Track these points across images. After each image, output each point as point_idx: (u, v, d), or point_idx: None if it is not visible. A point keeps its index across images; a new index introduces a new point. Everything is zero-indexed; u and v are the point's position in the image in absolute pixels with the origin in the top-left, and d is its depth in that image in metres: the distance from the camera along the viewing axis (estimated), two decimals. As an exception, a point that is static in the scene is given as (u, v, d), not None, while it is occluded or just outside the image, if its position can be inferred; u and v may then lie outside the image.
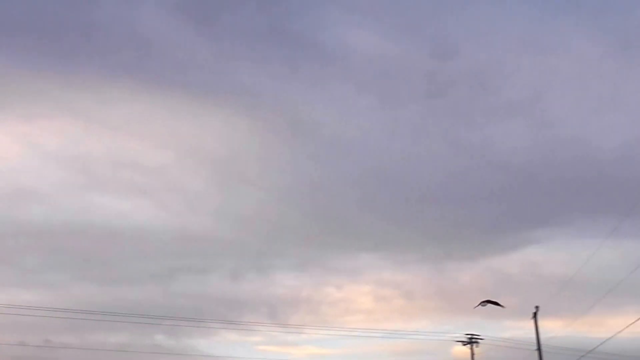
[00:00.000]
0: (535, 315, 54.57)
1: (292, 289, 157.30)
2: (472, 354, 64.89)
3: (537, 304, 54.90)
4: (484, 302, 52.98)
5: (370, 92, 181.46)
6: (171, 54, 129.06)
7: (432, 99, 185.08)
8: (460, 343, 65.56)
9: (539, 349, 53.66)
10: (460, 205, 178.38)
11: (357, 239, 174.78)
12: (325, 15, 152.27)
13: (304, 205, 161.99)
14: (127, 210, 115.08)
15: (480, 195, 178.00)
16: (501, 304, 51.12)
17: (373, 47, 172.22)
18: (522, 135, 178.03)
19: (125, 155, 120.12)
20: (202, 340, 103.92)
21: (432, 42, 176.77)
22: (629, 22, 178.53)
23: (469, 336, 65.53)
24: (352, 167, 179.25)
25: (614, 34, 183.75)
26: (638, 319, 37.97)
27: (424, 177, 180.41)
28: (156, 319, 65.68)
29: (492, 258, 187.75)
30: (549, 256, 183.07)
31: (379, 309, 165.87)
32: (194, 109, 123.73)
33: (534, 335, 54.12)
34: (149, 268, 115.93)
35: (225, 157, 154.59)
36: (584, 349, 54.91)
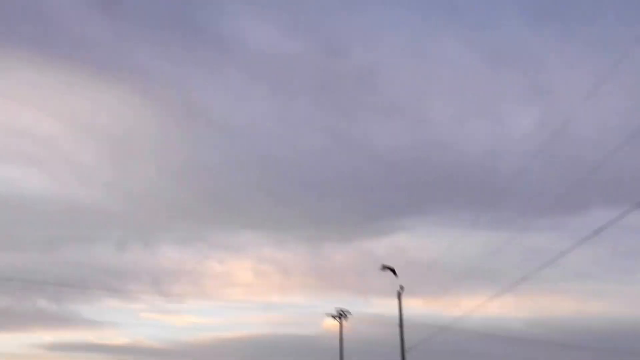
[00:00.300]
0: (399, 294, 57.71)
1: (176, 261, 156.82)
2: (341, 327, 68.83)
3: (402, 284, 57.37)
4: (384, 267, 55.78)
5: (263, 82, 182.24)
6: (72, 29, 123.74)
7: (321, 94, 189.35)
8: (330, 317, 69.34)
9: (401, 324, 57.06)
10: (338, 193, 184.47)
11: (241, 218, 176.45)
12: (226, 6, 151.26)
13: (193, 184, 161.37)
14: (15, 178, 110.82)
15: (357, 185, 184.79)
16: (396, 272, 53.96)
17: (269, 40, 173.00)
18: (400, 134, 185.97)
19: (17, 124, 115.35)
20: (86, 307, 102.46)
21: (325, 40, 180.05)
22: (500, 37, 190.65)
23: (339, 311, 69.30)
24: (241, 152, 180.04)
25: (487, 46, 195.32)
26: (488, 300, 43.14)
27: (309, 165, 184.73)
28: (39, 284, 64.73)
29: (364, 241, 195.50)
30: (415, 242, 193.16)
31: (258, 283, 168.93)
32: (90, 84, 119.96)
33: (397, 312, 57.37)
34: (35, 235, 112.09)
35: (119, 134, 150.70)
36: (440, 325, 59.44)
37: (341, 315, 69.16)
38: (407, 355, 56.38)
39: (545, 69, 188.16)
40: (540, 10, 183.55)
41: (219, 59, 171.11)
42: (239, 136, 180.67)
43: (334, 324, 69.51)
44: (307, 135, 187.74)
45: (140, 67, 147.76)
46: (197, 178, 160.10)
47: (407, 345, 56.77)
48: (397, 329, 56.93)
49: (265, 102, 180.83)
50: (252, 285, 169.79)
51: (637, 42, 21.82)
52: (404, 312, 58.13)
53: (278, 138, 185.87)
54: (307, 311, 74.31)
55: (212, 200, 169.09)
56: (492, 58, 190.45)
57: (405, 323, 57.64)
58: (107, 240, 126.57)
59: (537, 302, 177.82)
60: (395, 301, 57.80)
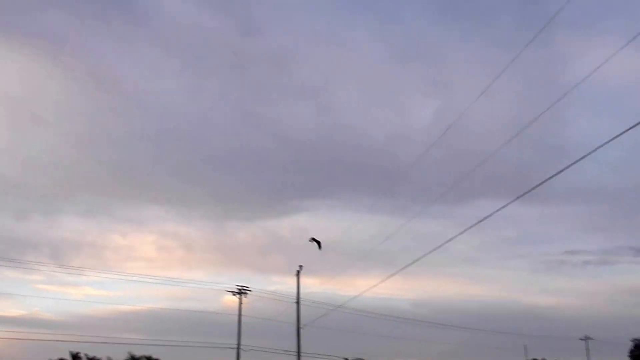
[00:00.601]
0: (298, 273, 59.73)
1: (78, 233, 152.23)
2: (240, 303, 69.90)
3: (301, 264, 59.98)
4: (312, 239, 56.78)
5: (176, 57, 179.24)
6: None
7: (234, 72, 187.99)
8: (230, 293, 70.23)
9: (298, 302, 58.99)
10: (245, 172, 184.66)
11: (146, 192, 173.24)
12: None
13: (98, 154, 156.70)
14: None
15: (263, 165, 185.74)
16: (321, 246, 55.15)
17: (186, 15, 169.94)
18: (308, 117, 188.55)
19: None
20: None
21: (241, 20, 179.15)
22: (407, 32, 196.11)
23: (239, 287, 70.37)
24: (149, 125, 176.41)
25: (394, 39, 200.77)
26: (380, 282, 45.51)
27: (217, 142, 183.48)
28: None
29: (267, 221, 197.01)
30: (316, 223, 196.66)
31: (160, 257, 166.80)
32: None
33: (295, 290, 59.27)
34: None
35: (20, 97, 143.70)
36: (335, 304, 61.93)
37: (241, 292, 70.19)
38: (302, 332, 58.38)
39: (446, 65, 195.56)
40: (445, 9, 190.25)
41: (132, 31, 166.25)
42: (148, 109, 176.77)
43: (233, 300, 70.51)
44: (217, 113, 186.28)
45: (50, 33, 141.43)
46: (102, 149, 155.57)
47: (303, 322, 58.77)
48: (295, 307, 58.83)
49: (177, 77, 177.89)
50: (154, 260, 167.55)
51: (529, 45, 23.95)
52: (302, 290, 60.23)
53: (188, 114, 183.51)
54: (208, 287, 74.73)
55: (117, 173, 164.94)
56: (398, 51, 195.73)
57: (302, 301, 59.80)
58: (4, 208, 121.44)
59: (424, 284, 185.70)
60: (294, 279, 59.68)
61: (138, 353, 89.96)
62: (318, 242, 40.19)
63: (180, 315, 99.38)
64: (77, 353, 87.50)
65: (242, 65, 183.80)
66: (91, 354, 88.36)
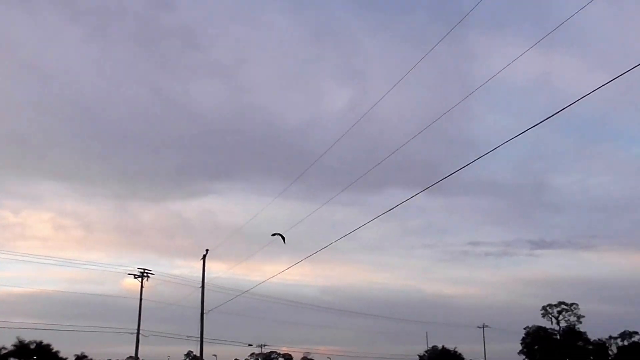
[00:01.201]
0: (204, 257, 59.34)
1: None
2: (142, 287, 68.81)
3: (207, 248, 59.61)
4: (274, 234, 56.06)
5: (82, 25, 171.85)
6: None
7: (143, 45, 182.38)
8: (132, 276, 68.98)
9: (203, 286, 58.67)
10: (152, 150, 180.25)
11: (43, 167, 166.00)
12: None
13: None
14: None
15: (171, 144, 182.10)
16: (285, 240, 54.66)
17: None
18: (220, 96, 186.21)
19: None
20: None
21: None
22: (325, 17, 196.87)
23: (141, 270, 69.23)
24: (49, 96, 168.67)
25: (312, 24, 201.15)
26: (288, 267, 45.93)
27: (122, 117, 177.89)
28: None
29: (173, 202, 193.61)
30: (225, 206, 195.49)
31: (57, 237, 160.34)
32: None
33: (200, 275, 58.90)
34: None
35: None
36: (241, 289, 62.08)
37: (143, 275, 69.09)
38: (206, 317, 58.16)
39: (362, 54, 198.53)
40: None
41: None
42: (48, 79, 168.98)
43: (135, 283, 69.38)
44: (123, 86, 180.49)
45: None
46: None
47: (207, 307, 58.56)
48: (200, 291, 58.57)
49: (81, 46, 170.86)
50: (50, 239, 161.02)
51: (442, 41, 24.81)
52: (207, 275, 59.98)
53: (92, 86, 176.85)
54: (109, 270, 73.21)
55: (10, 144, 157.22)
56: (314, 35, 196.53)
57: (207, 286, 59.57)
58: None
59: (333, 271, 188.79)
60: (200, 263, 59.35)
61: (28, 338, 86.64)
62: (282, 237, 40.18)
63: (78, 299, 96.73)
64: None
65: (152, 38, 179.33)
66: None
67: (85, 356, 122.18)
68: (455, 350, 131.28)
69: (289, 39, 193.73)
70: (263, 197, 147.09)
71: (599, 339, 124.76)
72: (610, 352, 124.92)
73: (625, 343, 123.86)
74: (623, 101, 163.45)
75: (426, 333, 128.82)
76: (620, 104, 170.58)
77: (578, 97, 16.61)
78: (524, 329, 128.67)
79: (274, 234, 39.67)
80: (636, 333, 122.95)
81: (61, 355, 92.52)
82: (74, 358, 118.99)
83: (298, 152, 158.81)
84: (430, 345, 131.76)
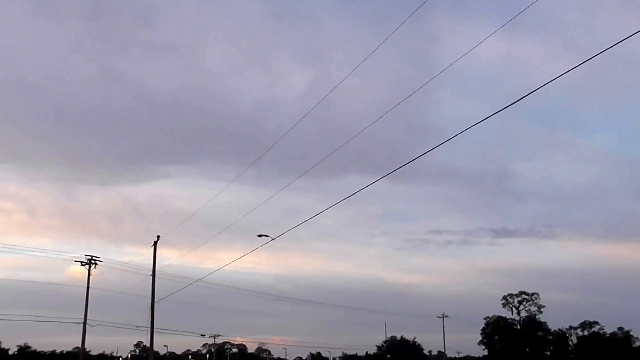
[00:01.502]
0: (155, 243, 58.73)
1: None
2: (89, 274, 67.76)
3: (159, 234, 59.03)
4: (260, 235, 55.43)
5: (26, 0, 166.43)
6: None
7: (92, 22, 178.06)
8: (79, 263, 67.81)
9: (153, 274, 58.07)
10: (100, 131, 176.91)
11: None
12: None
13: None
14: None
15: (122, 125, 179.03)
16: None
17: None
18: (173, 76, 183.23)
19: None
20: None
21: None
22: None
23: (88, 257, 68.14)
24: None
25: (269, 2, 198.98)
26: (243, 255, 45.80)
27: (70, 96, 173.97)
28: None
29: (124, 186, 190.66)
30: (177, 191, 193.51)
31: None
32: None
33: (151, 262, 58.28)
34: None
35: None
36: (194, 277, 61.74)
37: (90, 262, 68.04)
38: (156, 307, 57.56)
39: (322, 34, 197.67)
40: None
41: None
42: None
43: (81, 271, 68.31)
44: (70, 64, 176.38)
45: None
46: None
47: (158, 296, 57.98)
48: (150, 279, 58.00)
49: (26, 21, 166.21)
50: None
51: (405, 22, 24.68)
52: (158, 262, 59.42)
53: (36, 63, 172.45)
54: (54, 256, 71.89)
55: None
56: (274, 14, 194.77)
57: (158, 274, 58.99)
58: None
59: (290, 259, 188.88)
60: (151, 250, 58.74)
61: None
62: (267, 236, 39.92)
63: (20, 287, 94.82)
64: None
65: (101, 15, 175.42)
66: None
67: (28, 347, 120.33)
68: (415, 340, 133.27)
69: (247, 17, 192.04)
70: (217, 182, 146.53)
71: (559, 329, 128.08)
72: (570, 342, 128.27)
73: (585, 333, 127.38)
74: (588, 88, 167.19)
75: (385, 323, 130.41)
76: (585, 90, 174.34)
77: (543, 83, 16.72)
78: (484, 319, 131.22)
79: (259, 236, 39.33)
80: (596, 323, 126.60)
81: (3, 346, 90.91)
82: (16, 349, 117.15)
83: (255, 135, 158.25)
84: (389, 336, 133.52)
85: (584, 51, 15.53)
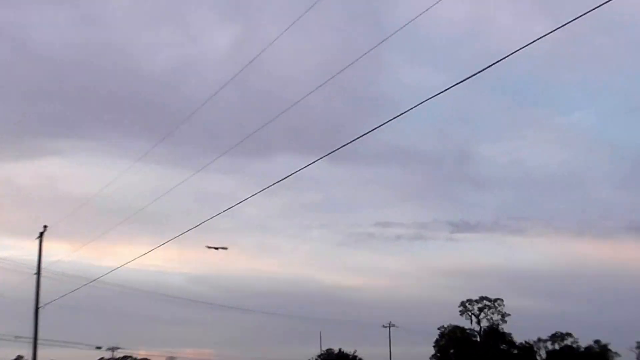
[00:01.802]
0: (41, 235, 57.66)
1: None
2: (-45, 273, 65.94)
3: (46, 224, 58.06)
4: (209, 247, 54.93)
5: None
6: None
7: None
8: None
9: (38, 272, 56.98)
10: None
11: None
12: None
13: None
14: None
15: (6, 89, 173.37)
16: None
17: None
18: (66, 28, 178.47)
19: None
20: None
21: None
22: None
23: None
24: None
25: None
26: (149, 251, 45.21)
27: None
28: None
29: (2, 164, 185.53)
30: (70, 171, 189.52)
31: None
32: None
33: (36, 258, 57.14)
34: None
35: None
36: (89, 277, 60.61)
37: (-42, 257, 66.52)
38: (41, 312, 56.59)
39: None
40: None
41: None
42: None
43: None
44: None
45: None
46: None
47: (44, 299, 57.00)
48: (34, 279, 57.03)
49: None
50: None
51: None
52: (45, 257, 58.33)
53: None
54: None
55: None
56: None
57: (44, 272, 57.96)
58: None
59: (205, 256, 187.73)
60: (36, 243, 57.67)
61: None
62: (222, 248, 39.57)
63: None
64: None
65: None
66: None
67: None
68: (355, 354, 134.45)
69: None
70: (119, 160, 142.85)
71: (525, 342, 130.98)
72: (538, 357, 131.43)
73: (557, 347, 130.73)
74: (565, 57, 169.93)
75: (320, 333, 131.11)
76: (563, 60, 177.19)
77: (514, 50, 16.91)
78: (439, 329, 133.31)
79: (211, 247, 39.01)
80: (569, 335, 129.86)
81: None
82: None
83: (167, 104, 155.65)
84: (324, 348, 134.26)
85: (563, 13, 15.81)
